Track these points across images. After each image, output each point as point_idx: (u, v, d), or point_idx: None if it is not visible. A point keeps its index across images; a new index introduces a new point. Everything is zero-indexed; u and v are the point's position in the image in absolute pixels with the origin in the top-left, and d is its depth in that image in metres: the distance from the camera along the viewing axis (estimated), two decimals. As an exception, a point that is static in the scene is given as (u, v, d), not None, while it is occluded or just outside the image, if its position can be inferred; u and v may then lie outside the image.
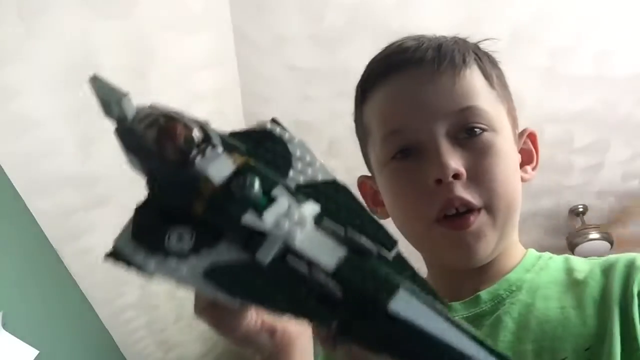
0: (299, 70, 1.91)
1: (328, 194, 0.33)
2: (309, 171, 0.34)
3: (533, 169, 0.63)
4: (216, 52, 1.79)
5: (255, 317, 0.39)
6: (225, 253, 0.31)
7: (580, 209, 2.63)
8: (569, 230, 2.67)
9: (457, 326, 0.28)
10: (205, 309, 0.38)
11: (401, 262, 0.31)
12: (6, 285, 1.66)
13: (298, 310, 0.29)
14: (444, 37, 0.62)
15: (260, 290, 0.30)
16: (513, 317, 0.54)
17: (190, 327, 2.92)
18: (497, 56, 0.66)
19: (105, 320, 2.41)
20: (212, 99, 1.93)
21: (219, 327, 0.38)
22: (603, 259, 0.57)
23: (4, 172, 1.65)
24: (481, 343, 0.28)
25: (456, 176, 0.53)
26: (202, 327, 2.99)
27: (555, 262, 0.60)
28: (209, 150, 0.32)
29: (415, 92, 0.57)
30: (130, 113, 0.34)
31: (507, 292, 0.56)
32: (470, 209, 0.54)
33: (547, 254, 0.61)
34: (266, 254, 0.30)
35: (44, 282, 1.92)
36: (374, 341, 0.29)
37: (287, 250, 0.30)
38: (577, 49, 1.91)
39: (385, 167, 0.59)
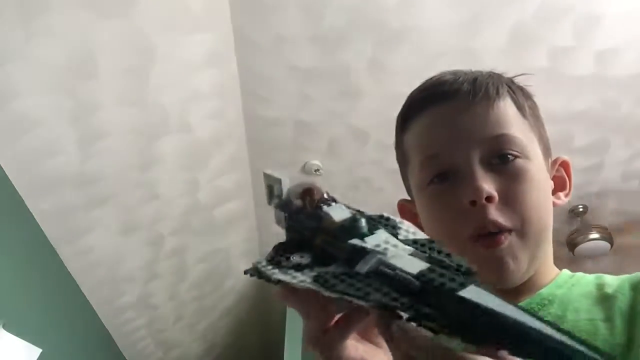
0: (299, 70, 1.91)
1: (421, 242, 0.42)
2: (410, 236, 0.45)
3: (566, 195, 0.67)
4: (216, 52, 1.79)
5: (355, 350, 0.44)
6: (331, 269, 0.41)
7: (580, 209, 2.63)
8: (569, 230, 2.67)
9: (527, 311, 0.33)
10: (314, 339, 0.44)
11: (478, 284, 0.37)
12: (6, 285, 1.66)
13: (382, 301, 0.36)
14: (480, 71, 0.66)
15: (354, 288, 0.38)
16: None
17: (190, 327, 2.92)
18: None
19: (105, 320, 2.41)
20: (212, 99, 1.93)
21: (326, 355, 0.44)
22: (633, 275, 0.59)
23: (4, 172, 1.65)
24: (548, 322, 0.32)
25: (489, 199, 0.56)
26: (202, 327, 2.99)
27: (586, 279, 0.62)
28: (333, 203, 0.45)
29: (452, 120, 0.61)
30: (285, 191, 0.48)
31: (539, 306, 0.59)
32: (501, 230, 0.57)
33: (580, 274, 0.64)
34: (364, 266, 0.39)
35: (44, 282, 1.92)
36: (447, 324, 0.34)
37: (381, 264, 0.38)
38: (577, 49, 1.91)
39: (423, 191, 0.63)
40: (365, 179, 2.43)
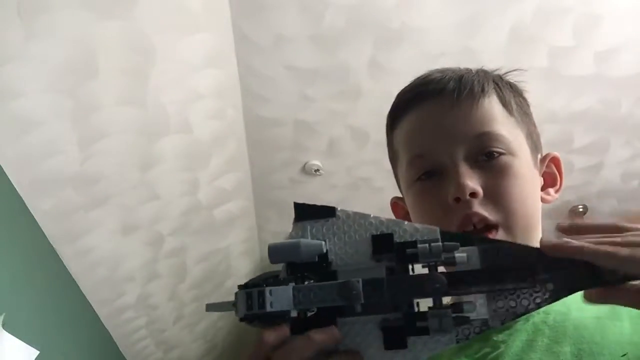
0: (298, 70, 1.91)
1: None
2: None
3: (556, 191, 0.67)
4: (216, 52, 1.79)
5: None
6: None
7: (580, 209, 2.63)
8: (569, 230, 2.67)
9: None
10: None
11: None
12: (6, 285, 1.66)
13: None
14: (468, 69, 0.67)
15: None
16: (549, 325, 0.57)
17: (190, 327, 2.92)
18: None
19: (105, 320, 2.41)
20: (212, 99, 1.93)
21: None
22: None
23: (4, 172, 1.65)
24: None
25: (473, 195, 0.57)
26: (202, 327, 2.99)
27: None
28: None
29: (437, 119, 0.62)
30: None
31: None
32: (487, 226, 0.57)
33: None
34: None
35: (44, 282, 1.92)
36: None
37: None
38: (577, 49, 1.91)
39: (411, 188, 0.64)
40: (365, 179, 2.43)
